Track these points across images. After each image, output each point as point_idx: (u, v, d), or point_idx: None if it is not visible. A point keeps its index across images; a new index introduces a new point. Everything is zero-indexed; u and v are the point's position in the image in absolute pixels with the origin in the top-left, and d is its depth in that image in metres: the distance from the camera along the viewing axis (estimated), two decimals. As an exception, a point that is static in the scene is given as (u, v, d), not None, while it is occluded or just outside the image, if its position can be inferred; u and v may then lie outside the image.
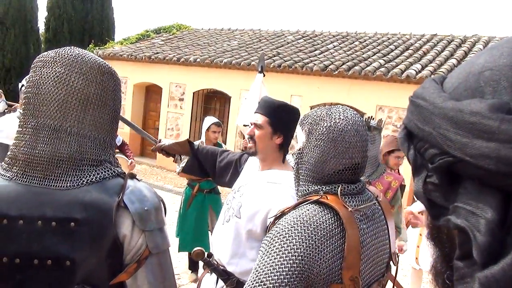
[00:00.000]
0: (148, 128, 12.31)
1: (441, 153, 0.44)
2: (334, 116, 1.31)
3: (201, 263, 2.28)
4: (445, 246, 0.48)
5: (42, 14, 41.79)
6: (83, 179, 1.05)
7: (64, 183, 1.04)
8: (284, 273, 1.15)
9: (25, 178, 1.04)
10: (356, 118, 1.33)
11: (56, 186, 1.03)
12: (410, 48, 10.13)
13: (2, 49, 17.05)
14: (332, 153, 1.28)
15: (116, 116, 1.16)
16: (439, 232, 0.49)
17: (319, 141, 1.30)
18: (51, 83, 1.05)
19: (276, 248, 1.19)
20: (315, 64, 9.16)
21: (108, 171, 1.10)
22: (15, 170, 1.05)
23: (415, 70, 8.16)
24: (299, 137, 1.40)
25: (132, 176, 1.14)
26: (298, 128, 1.41)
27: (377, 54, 9.78)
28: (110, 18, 18.71)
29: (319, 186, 1.31)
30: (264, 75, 3.59)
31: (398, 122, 8.09)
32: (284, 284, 1.15)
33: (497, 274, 0.38)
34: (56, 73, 1.05)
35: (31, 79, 1.08)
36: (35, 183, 1.03)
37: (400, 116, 8.13)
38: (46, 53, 1.10)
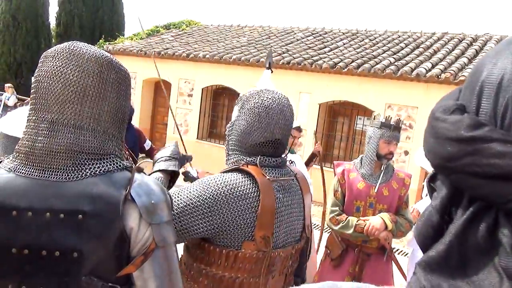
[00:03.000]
0: (156, 124, 12.37)
1: None
2: (263, 95, 1.47)
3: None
4: None
5: (53, 9, 42.26)
6: (85, 171, 1.06)
7: (65, 174, 1.05)
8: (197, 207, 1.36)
9: (25, 170, 1.05)
10: (284, 101, 1.48)
11: (57, 178, 1.04)
12: (421, 46, 10.04)
13: (13, 44, 17.22)
14: (256, 126, 1.42)
15: (122, 109, 1.16)
16: None
17: (247, 115, 1.45)
18: (49, 77, 1.07)
19: (197, 195, 1.37)
20: (324, 62, 9.12)
21: (113, 163, 1.11)
22: (17, 163, 1.07)
23: (425, 69, 8.08)
24: (234, 113, 1.55)
25: (140, 170, 1.15)
26: (235, 106, 1.56)
27: (387, 52, 9.71)
28: (120, 14, 18.81)
29: (242, 157, 1.45)
30: (272, 72, 3.57)
31: (407, 120, 8.03)
32: (190, 210, 1.35)
33: (433, 258, 0.43)
34: (54, 67, 1.07)
35: (35, 74, 1.11)
36: (35, 175, 1.05)
37: (409, 114, 8.07)
38: (49, 49, 1.12)
